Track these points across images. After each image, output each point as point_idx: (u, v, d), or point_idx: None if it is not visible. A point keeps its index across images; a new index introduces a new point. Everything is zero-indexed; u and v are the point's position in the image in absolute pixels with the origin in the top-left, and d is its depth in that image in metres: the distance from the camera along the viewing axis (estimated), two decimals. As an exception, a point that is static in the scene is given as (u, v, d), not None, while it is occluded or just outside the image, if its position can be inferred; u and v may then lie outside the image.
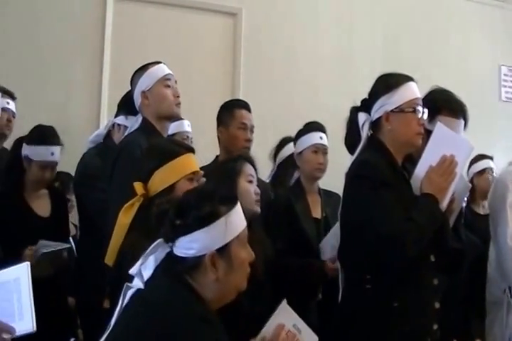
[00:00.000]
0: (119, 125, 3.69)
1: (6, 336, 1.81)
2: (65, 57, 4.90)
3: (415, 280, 2.53)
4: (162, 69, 3.16)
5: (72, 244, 3.43)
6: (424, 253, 2.53)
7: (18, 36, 4.77)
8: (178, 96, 3.14)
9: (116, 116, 3.75)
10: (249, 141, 3.67)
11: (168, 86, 3.12)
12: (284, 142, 4.27)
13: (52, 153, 3.47)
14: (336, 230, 3.06)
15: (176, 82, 3.18)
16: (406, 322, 2.48)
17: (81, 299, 3.59)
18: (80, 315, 3.70)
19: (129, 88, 3.26)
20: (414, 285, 2.52)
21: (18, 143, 3.51)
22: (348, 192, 2.66)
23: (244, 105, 3.79)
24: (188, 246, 1.79)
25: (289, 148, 4.14)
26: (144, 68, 3.16)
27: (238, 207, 1.89)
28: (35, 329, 1.82)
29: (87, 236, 3.59)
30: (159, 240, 1.85)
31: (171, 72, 3.17)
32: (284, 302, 2.07)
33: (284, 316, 2.05)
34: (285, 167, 4.15)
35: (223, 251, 1.81)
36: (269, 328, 2.01)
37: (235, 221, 1.85)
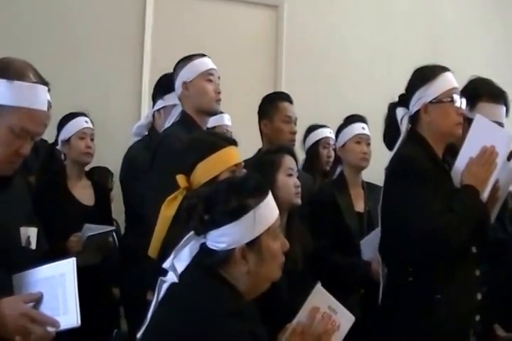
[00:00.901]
0: (158, 111, 3.68)
1: (50, 329, 1.83)
2: (105, 50, 4.95)
3: (457, 272, 2.52)
4: (206, 63, 3.16)
5: (115, 235, 3.49)
6: (465, 245, 2.53)
7: (60, 28, 4.83)
8: (219, 93, 3.13)
9: (153, 106, 3.76)
10: (295, 133, 3.69)
11: (211, 80, 3.12)
12: (310, 130, 4.32)
13: (87, 121, 3.61)
14: (377, 233, 3.08)
15: (218, 77, 3.17)
16: (449, 313, 2.48)
17: (125, 290, 3.62)
18: (125, 306, 3.75)
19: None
20: (457, 277, 2.52)
21: (53, 143, 3.64)
22: (388, 186, 2.66)
23: (287, 97, 3.80)
24: (218, 239, 1.79)
25: (315, 135, 4.24)
26: (188, 59, 3.17)
27: (268, 199, 1.86)
28: (79, 324, 1.81)
29: (132, 229, 3.63)
30: (191, 233, 1.86)
31: (214, 67, 3.16)
32: (319, 285, 2.06)
33: (319, 299, 2.03)
34: (311, 155, 4.20)
35: (253, 244, 1.80)
36: (304, 312, 1.99)
37: (265, 213, 1.83)
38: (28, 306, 1.84)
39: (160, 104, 3.65)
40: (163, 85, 3.62)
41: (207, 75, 3.12)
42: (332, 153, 4.24)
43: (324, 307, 2.03)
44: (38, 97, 1.95)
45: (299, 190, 2.84)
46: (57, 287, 1.87)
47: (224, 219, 1.79)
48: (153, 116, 3.72)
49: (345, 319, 2.07)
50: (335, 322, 2.03)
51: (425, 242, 2.43)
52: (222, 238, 1.79)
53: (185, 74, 3.13)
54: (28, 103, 1.92)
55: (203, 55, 3.19)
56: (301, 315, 1.99)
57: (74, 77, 4.77)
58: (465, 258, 2.56)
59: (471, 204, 2.49)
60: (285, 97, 3.81)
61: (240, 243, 1.78)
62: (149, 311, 1.92)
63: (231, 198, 1.81)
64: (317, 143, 4.21)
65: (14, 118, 1.91)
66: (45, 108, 1.99)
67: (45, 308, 1.86)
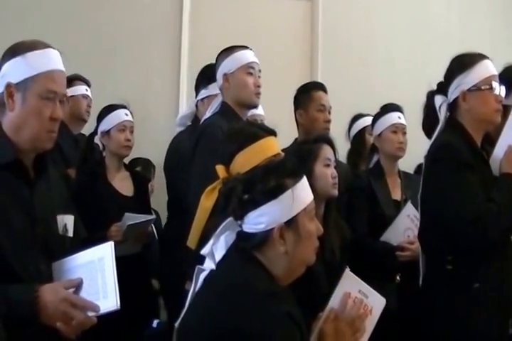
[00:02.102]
0: (202, 100, 3.72)
1: (90, 314, 1.85)
2: (143, 42, 4.99)
3: (496, 260, 2.51)
4: (247, 56, 3.16)
5: (153, 227, 3.52)
6: (504, 233, 2.52)
7: (97, 21, 4.89)
8: (258, 86, 3.14)
9: (196, 95, 3.79)
10: (329, 121, 3.70)
11: (251, 74, 3.13)
12: (354, 119, 4.33)
13: (126, 114, 3.64)
14: (394, 227, 3.23)
15: (259, 70, 3.18)
16: (487, 302, 2.47)
17: (165, 281, 3.65)
18: (164, 296, 3.77)
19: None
20: (495, 266, 2.51)
21: (92, 133, 3.69)
22: (428, 174, 2.65)
23: (321, 86, 3.83)
24: (257, 220, 1.82)
25: (358, 125, 4.24)
26: (229, 50, 3.18)
27: (304, 181, 1.90)
28: (118, 306, 1.83)
29: (175, 219, 3.69)
30: (229, 219, 1.89)
31: (256, 60, 3.17)
32: (347, 270, 2.06)
33: (349, 284, 2.03)
34: (357, 142, 4.21)
35: (291, 223, 1.83)
36: (335, 298, 1.99)
37: (302, 193, 1.87)
38: (68, 292, 1.87)
39: (203, 93, 3.70)
40: (207, 75, 3.66)
41: (247, 68, 3.13)
42: None
43: (355, 291, 2.02)
44: (52, 59, 2.03)
45: (336, 180, 2.84)
46: (96, 271, 1.90)
47: (263, 198, 1.82)
48: (196, 106, 3.77)
49: (376, 302, 2.07)
50: (367, 306, 2.03)
51: (465, 229, 2.43)
52: (260, 218, 1.82)
53: (226, 66, 3.15)
54: (45, 67, 2.00)
55: (245, 48, 3.20)
56: (333, 302, 2.00)
57: (112, 69, 4.82)
58: (504, 247, 2.55)
59: (510, 192, 2.48)
60: (319, 86, 3.83)
61: (278, 222, 1.81)
62: (187, 300, 1.94)
63: (269, 178, 1.85)
64: (363, 130, 4.20)
65: (37, 84, 1.98)
66: (61, 67, 2.05)
67: (85, 293, 1.88)
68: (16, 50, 2.01)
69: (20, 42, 2.06)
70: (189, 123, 3.82)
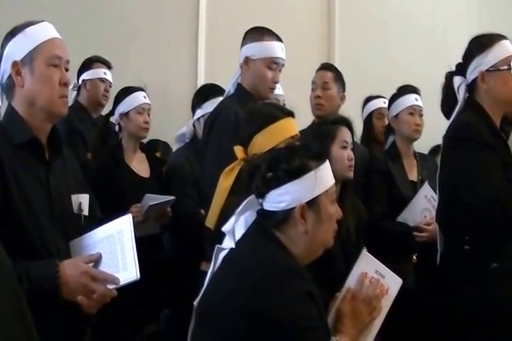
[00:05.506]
0: (198, 120, 3.77)
1: (110, 286, 1.89)
2: (162, 26, 5.00)
3: (513, 240, 2.51)
4: (276, 50, 3.08)
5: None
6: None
7: (118, 5, 4.91)
8: (275, 82, 3.11)
9: (193, 114, 3.85)
10: (317, 97, 3.72)
11: (271, 69, 3.07)
12: (365, 102, 4.36)
13: (145, 97, 3.67)
14: (411, 208, 3.26)
15: (283, 65, 3.12)
16: (505, 282, 2.47)
17: (180, 262, 3.62)
18: (179, 278, 3.72)
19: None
20: (512, 246, 2.51)
21: (108, 115, 3.71)
22: (448, 154, 2.65)
23: (324, 65, 3.91)
24: (279, 199, 1.85)
25: (369, 106, 4.28)
26: (260, 34, 3.10)
27: (327, 164, 1.92)
28: (138, 277, 1.86)
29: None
30: (251, 197, 1.92)
31: (283, 56, 3.09)
32: (364, 251, 2.09)
33: (366, 264, 2.06)
34: (366, 127, 4.24)
35: (313, 203, 1.86)
36: (352, 278, 2.03)
37: (325, 176, 1.90)
38: (88, 266, 1.91)
39: (199, 113, 3.77)
40: (202, 95, 3.77)
41: (271, 63, 3.06)
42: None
43: (371, 271, 2.05)
44: (50, 29, 2.10)
45: (352, 163, 2.86)
46: (115, 244, 1.93)
47: (287, 177, 1.85)
48: (194, 125, 3.82)
49: (393, 282, 2.09)
50: (383, 286, 2.06)
51: (485, 208, 2.43)
52: (283, 197, 1.85)
53: (251, 50, 3.07)
54: (45, 36, 2.06)
55: (277, 38, 3.10)
56: (350, 282, 2.03)
57: (132, 53, 4.84)
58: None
59: None
60: (322, 66, 3.90)
61: (300, 201, 1.84)
62: (206, 279, 1.97)
63: (294, 158, 1.88)
64: (371, 114, 4.23)
65: (42, 52, 2.03)
66: (58, 36, 2.11)
67: (105, 267, 1.92)
68: (14, 31, 2.06)
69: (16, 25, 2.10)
70: (187, 140, 3.87)
